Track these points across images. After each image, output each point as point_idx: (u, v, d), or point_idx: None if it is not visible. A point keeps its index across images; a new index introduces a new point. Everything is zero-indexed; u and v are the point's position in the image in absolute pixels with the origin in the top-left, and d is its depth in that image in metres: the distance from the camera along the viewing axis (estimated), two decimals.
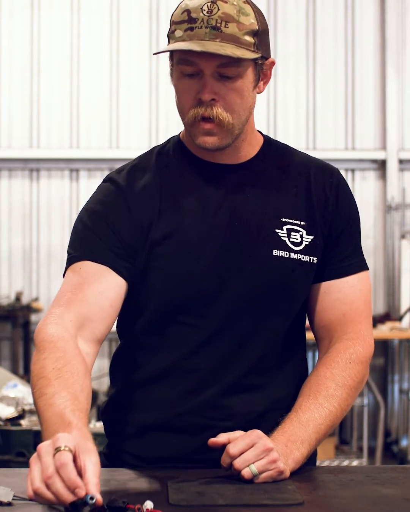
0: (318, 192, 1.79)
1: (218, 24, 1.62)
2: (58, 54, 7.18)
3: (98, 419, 4.35)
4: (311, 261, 1.76)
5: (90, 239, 1.71)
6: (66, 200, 7.16)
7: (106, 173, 7.04)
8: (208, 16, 1.63)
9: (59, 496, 1.26)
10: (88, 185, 7.10)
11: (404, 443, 6.49)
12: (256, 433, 1.56)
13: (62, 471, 1.27)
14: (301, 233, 1.76)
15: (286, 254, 1.74)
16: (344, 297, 1.79)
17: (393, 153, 7.14)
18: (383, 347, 6.97)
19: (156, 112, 7.16)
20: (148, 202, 1.73)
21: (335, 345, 1.78)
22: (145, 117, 7.19)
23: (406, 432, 6.52)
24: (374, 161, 7.20)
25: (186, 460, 1.72)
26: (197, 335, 1.72)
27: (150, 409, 1.76)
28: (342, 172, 6.33)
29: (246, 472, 1.52)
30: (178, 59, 1.67)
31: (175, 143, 1.82)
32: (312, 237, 1.76)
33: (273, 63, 1.72)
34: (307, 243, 1.76)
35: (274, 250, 1.73)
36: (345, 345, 1.77)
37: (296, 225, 1.76)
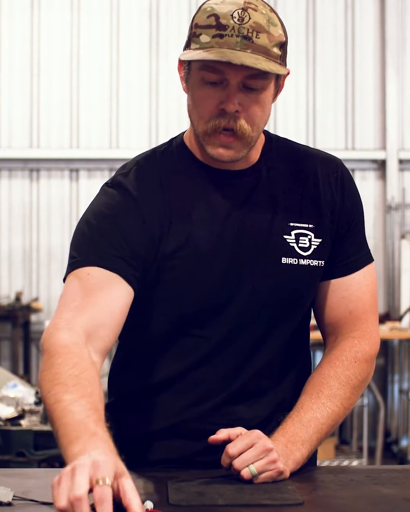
0: (325, 189, 1.77)
1: (249, 34, 1.56)
2: (58, 54, 7.18)
3: None
4: (319, 265, 1.74)
5: (99, 244, 1.63)
6: (66, 200, 7.16)
7: (106, 173, 7.06)
8: (239, 24, 1.56)
9: None
10: (88, 185, 7.11)
11: (404, 443, 6.49)
12: (256, 433, 1.55)
13: (99, 508, 1.21)
14: (309, 236, 1.73)
15: (295, 261, 1.71)
16: (350, 295, 1.78)
17: (393, 153, 7.14)
18: (383, 347, 6.96)
19: (156, 112, 7.16)
20: (159, 212, 1.67)
21: (340, 343, 1.77)
22: (145, 117, 7.19)
23: (406, 432, 6.52)
24: (374, 161, 7.20)
25: (189, 462, 1.72)
26: (206, 346, 1.71)
27: (154, 416, 1.75)
28: None
29: (245, 473, 1.51)
30: (203, 65, 1.59)
31: (179, 146, 1.76)
32: (320, 240, 1.74)
33: (288, 73, 1.66)
34: (315, 246, 1.74)
35: (283, 258, 1.71)
36: (351, 343, 1.76)
37: (304, 229, 1.73)
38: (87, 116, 7.18)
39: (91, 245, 1.63)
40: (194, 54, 1.58)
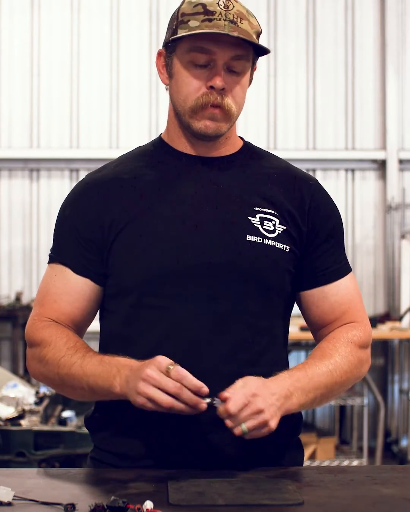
0: (292, 192, 1.83)
1: (235, 19, 1.71)
2: (58, 54, 7.18)
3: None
4: (284, 249, 1.79)
5: (63, 243, 1.84)
6: None
7: None
8: (226, 10, 1.71)
9: (191, 401, 1.54)
10: None
11: (404, 443, 6.49)
12: (251, 390, 1.61)
13: (185, 382, 1.54)
14: (273, 222, 1.79)
15: (260, 240, 1.77)
16: (341, 298, 1.84)
17: (393, 153, 7.14)
18: (383, 347, 6.97)
19: (156, 112, 7.16)
20: (116, 192, 1.80)
21: (335, 329, 1.83)
22: (145, 117, 7.19)
23: (406, 432, 6.52)
24: (374, 161, 7.20)
25: (170, 453, 1.72)
26: (169, 317, 1.74)
27: (130, 402, 1.74)
28: (342, 172, 6.37)
29: (238, 430, 1.58)
30: (193, 46, 1.72)
31: (155, 141, 1.90)
32: (284, 227, 1.80)
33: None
34: (280, 231, 1.79)
35: (247, 236, 1.76)
36: (346, 329, 1.83)
37: (268, 214, 1.80)
38: (87, 116, 7.18)
39: (58, 241, 1.86)
40: (190, 32, 1.70)
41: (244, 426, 1.57)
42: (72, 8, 7.18)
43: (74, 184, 7.26)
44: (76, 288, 1.80)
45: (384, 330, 6.06)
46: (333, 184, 7.00)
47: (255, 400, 1.59)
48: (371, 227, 7.08)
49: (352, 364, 1.78)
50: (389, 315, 6.89)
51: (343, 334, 1.81)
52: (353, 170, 7.15)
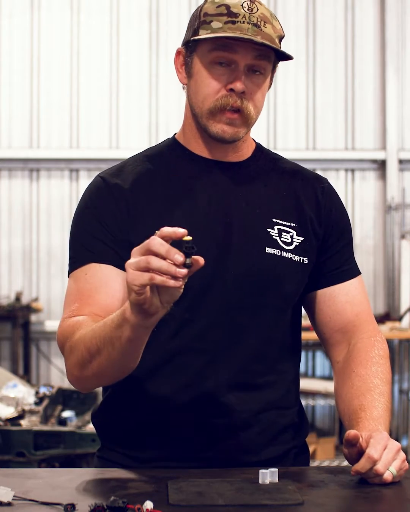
0: (308, 195, 1.84)
1: (259, 22, 1.69)
2: (58, 54, 7.18)
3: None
4: (302, 261, 1.79)
5: (87, 239, 1.73)
6: (66, 200, 7.16)
7: None
8: (249, 13, 1.70)
9: (174, 259, 1.38)
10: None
11: (404, 443, 6.49)
12: (382, 434, 1.59)
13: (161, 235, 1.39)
14: (291, 233, 1.79)
15: (278, 252, 1.77)
16: (352, 299, 1.85)
17: (393, 153, 7.14)
18: None
19: (156, 112, 7.16)
20: (138, 198, 1.75)
21: (358, 345, 1.82)
22: (145, 117, 7.19)
23: (406, 432, 6.52)
24: (374, 161, 7.20)
25: (181, 459, 1.72)
26: (188, 329, 1.73)
27: (144, 405, 1.75)
28: (342, 172, 6.37)
29: (388, 475, 1.55)
30: (216, 45, 1.70)
31: (169, 142, 1.85)
32: (302, 238, 1.80)
33: (275, 71, 1.79)
34: (298, 243, 1.79)
35: (266, 248, 1.76)
36: (371, 343, 1.82)
37: (286, 226, 1.80)
38: (87, 116, 7.18)
39: (81, 242, 1.74)
40: (212, 35, 1.69)
41: (392, 469, 1.56)
42: (72, 8, 7.18)
43: (74, 184, 7.32)
44: (113, 277, 1.69)
45: (384, 330, 6.06)
46: (333, 184, 6.98)
47: (391, 442, 1.59)
48: (371, 227, 7.08)
49: (389, 382, 1.79)
50: (389, 315, 6.89)
51: (369, 354, 1.80)
52: (353, 170, 7.15)
